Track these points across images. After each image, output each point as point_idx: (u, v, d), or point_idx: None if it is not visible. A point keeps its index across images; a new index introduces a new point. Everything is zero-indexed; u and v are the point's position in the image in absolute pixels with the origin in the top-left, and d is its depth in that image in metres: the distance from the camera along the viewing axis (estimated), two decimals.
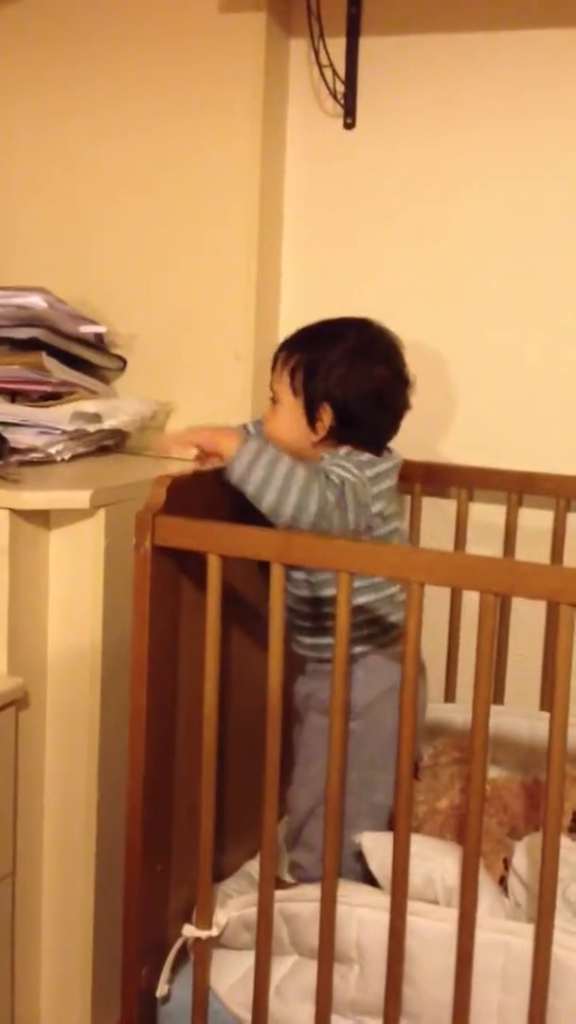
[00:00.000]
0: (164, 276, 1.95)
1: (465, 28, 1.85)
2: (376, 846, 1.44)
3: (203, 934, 1.43)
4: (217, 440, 1.44)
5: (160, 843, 1.45)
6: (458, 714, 1.83)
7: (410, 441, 1.64)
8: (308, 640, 1.59)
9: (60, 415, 1.73)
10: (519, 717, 1.82)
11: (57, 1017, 1.65)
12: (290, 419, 1.56)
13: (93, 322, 1.90)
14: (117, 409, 1.82)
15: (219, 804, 1.42)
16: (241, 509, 1.42)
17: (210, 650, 1.36)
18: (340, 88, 1.91)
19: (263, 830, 1.37)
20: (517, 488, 1.86)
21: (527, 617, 1.85)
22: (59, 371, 1.79)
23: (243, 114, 1.87)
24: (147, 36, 1.92)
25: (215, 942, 1.45)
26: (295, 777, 1.59)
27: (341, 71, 1.90)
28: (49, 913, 1.63)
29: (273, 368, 1.59)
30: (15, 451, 1.65)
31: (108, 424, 1.78)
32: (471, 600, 1.32)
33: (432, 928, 1.31)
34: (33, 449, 1.68)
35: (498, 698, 1.89)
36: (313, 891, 1.37)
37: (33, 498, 1.50)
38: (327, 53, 1.87)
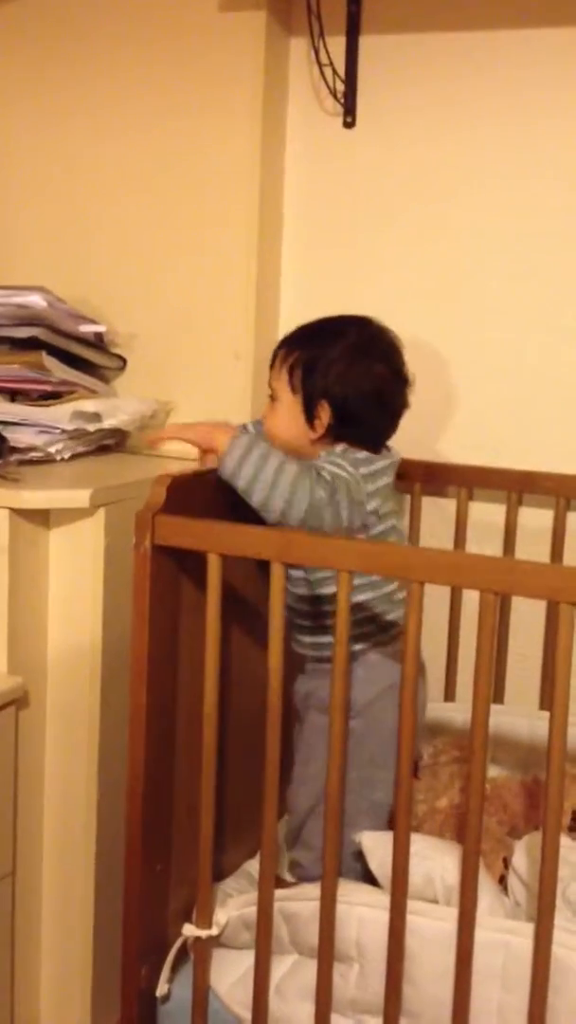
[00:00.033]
0: (164, 276, 1.95)
1: (465, 27, 1.85)
2: (376, 845, 1.44)
3: (203, 933, 1.43)
4: (213, 436, 1.44)
5: (160, 842, 1.45)
6: (458, 713, 1.83)
7: (410, 440, 1.64)
8: (308, 639, 1.59)
9: (60, 414, 1.73)
10: (519, 716, 1.82)
11: (57, 1016, 1.65)
12: (289, 416, 1.55)
13: (93, 321, 1.90)
14: (117, 408, 1.82)
15: (219, 803, 1.42)
16: (241, 508, 1.42)
17: (210, 649, 1.36)
18: (340, 87, 1.91)
19: (263, 829, 1.37)
20: (517, 487, 1.86)
21: (527, 616, 1.85)
22: (59, 370, 1.79)
23: (243, 113, 1.88)
24: (147, 36, 1.92)
25: (215, 941, 1.45)
26: (295, 776, 1.59)
27: (341, 70, 1.90)
28: (49, 913, 1.63)
29: (272, 365, 1.59)
30: (15, 450, 1.65)
31: (108, 423, 1.78)
32: (471, 599, 1.32)
33: (432, 927, 1.31)
34: (33, 448, 1.68)
35: (498, 697, 1.89)
36: (313, 890, 1.37)
37: (33, 497, 1.50)
38: (327, 52, 1.87)
